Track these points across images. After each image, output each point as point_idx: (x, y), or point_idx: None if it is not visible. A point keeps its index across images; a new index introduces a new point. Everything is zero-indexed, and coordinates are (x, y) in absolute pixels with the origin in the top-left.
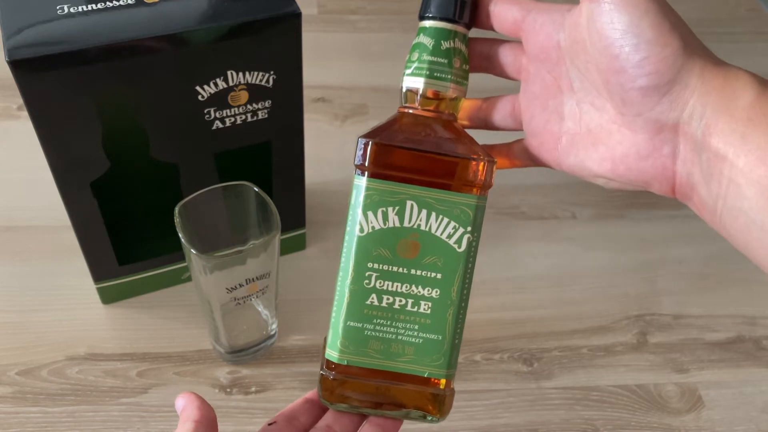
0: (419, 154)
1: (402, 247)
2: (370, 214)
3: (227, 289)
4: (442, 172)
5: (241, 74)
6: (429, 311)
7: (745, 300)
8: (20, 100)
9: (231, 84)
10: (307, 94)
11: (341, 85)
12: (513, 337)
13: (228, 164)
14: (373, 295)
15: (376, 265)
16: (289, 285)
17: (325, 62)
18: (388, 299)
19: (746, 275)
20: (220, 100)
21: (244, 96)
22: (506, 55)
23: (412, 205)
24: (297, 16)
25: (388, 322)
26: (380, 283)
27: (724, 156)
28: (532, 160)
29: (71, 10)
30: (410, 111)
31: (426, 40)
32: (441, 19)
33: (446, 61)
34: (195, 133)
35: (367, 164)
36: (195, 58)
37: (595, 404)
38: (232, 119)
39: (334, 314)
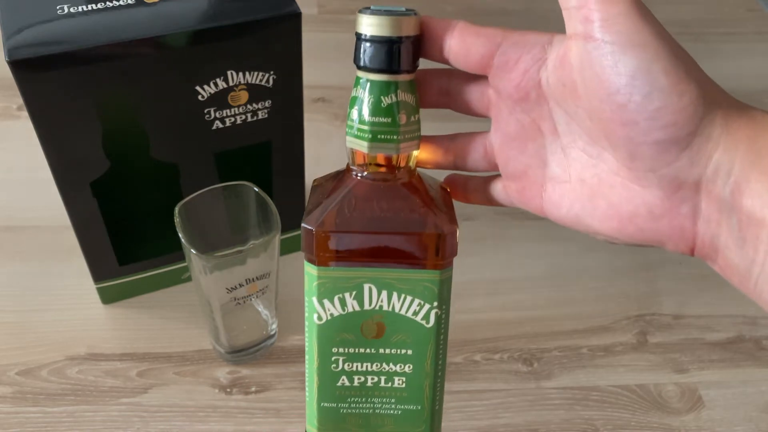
0: (371, 236)
1: (366, 328)
2: (326, 302)
3: (227, 289)
4: (400, 252)
5: (241, 74)
6: (404, 385)
7: (745, 300)
8: (20, 100)
9: (231, 84)
10: (307, 94)
11: (341, 85)
12: (513, 337)
13: (228, 164)
14: (343, 377)
15: (341, 349)
16: (289, 285)
17: (325, 62)
18: (359, 379)
19: None
20: (220, 100)
21: (244, 96)
22: (471, 90)
23: (370, 288)
24: (297, 16)
25: (363, 399)
26: (348, 365)
27: (760, 220)
28: (514, 204)
29: (71, 10)
30: (358, 175)
31: (364, 96)
32: (377, 71)
33: (389, 120)
34: (195, 133)
35: (314, 254)
36: (195, 58)
37: (595, 404)
38: (232, 119)
39: (308, 393)
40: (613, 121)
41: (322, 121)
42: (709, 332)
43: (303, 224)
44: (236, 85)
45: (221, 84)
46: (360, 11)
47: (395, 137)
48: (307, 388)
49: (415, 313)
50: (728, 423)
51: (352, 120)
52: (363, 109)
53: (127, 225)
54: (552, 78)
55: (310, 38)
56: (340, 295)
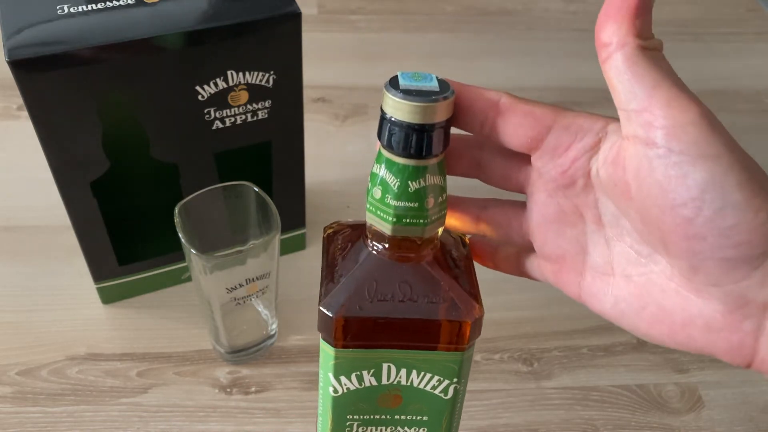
0: (395, 322)
1: (382, 400)
2: (342, 378)
3: (227, 289)
4: (423, 337)
5: (241, 74)
6: None
7: None
8: (20, 100)
9: (231, 84)
10: (307, 94)
11: (341, 85)
12: (513, 337)
13: (228, 164)
14: None
15: (356, 416)
16: (289, 285)
17: (325, 62)
18: None
19: None
20: (220, 100)
21: (244, 96)
22: (508, 166)
23: (389, 367)
24: (297, 16)
25: None
26: (363, 429)
27: None
28: (550, 283)
29: (71, 10)
30: (377, 253)
31: (388, 177)
32: (406, 156)
33: (416, 204)
34: (195, 133)
35: (333, 339)
36: (195, 58)
37: (595, 404)
38: (232, 119)
39: None
40: (676, 234)
41: (322, 121)
42: None
43: (321, 308)
44: (236, 85)
45: (221, 84)
46: (386, 87)
47: (422, 221)
48: None
49: (434, 388)
50: (728, 423)
51: (375, 199)
52: (387, 191)
53: (127, 225)
54: (603, 172)
55: (310, 38)
56: (358, 373)
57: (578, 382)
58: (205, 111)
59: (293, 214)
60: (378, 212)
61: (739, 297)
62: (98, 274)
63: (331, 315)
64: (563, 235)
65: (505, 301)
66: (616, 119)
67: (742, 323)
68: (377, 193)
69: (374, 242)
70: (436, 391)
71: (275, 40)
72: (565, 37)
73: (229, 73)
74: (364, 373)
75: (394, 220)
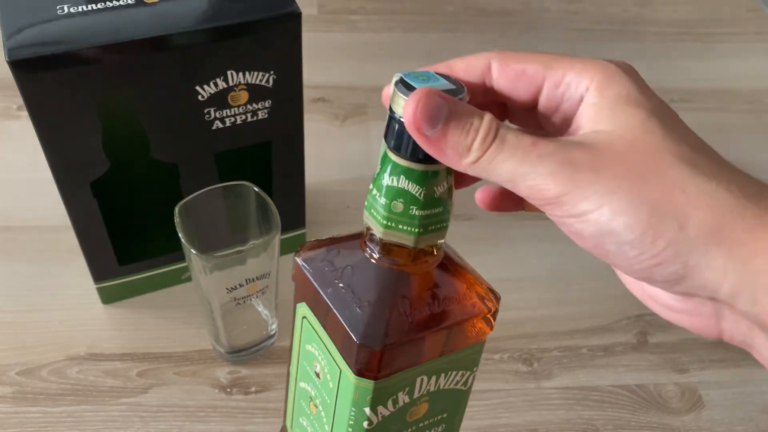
0: (436, 335)
1: (412, 413)
2: (380, 408)
3: (227, 289)
4: (458, 340)
5: (241, 74)
6: None
7: None
8: (20, 100)
9: (231, 84)
10: (307, 94)
11: (341, 85)
12: (513, 337)
13: (228, 164)
14: None
15: None
16: (289, 285)
17: (325, 62)
18: None
19: None
20: (220, 100)
21: (244, 96)
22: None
23: (422, 380)
24: (297, 16)
25: None
26: None
27: None
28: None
29: (71, 10)
30: (395, 267)
31: (413, 188)
32: (423, 162)
33: (441, 209)
34: (195, 133)
35: (376, 372)
36: (195, 58)
37: (595, 404)
38: (232, 119)
39: None
40: (607, 260)
41: (322, 121)
42: None
43: (362, 343)
44: (236, 85)
45: (221, 84)
46: (396, 84)
47: (444, 224)
48: None
49: (457, 383)
50: (728, 423)
51: (395, 214)
52: (412, 203)
53: (127, 225)
54: None
55: (310, 38)
56: (394, 396)
57: (578, 382)
58: (205, 111)
59: (293, 214)
60: (400, 226)
61: (685, 294)
62: (98, 274)
63: (377, 348)
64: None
65: (505, 301)
66: (607, 64)
67: (700, 309)
68: (398, 207)
69: (387, 257)
70: (458, 386)
71: (275, 40)
72: (565, 37)
73: (229, 73)
74: (400, 394)
75: (420, 230)
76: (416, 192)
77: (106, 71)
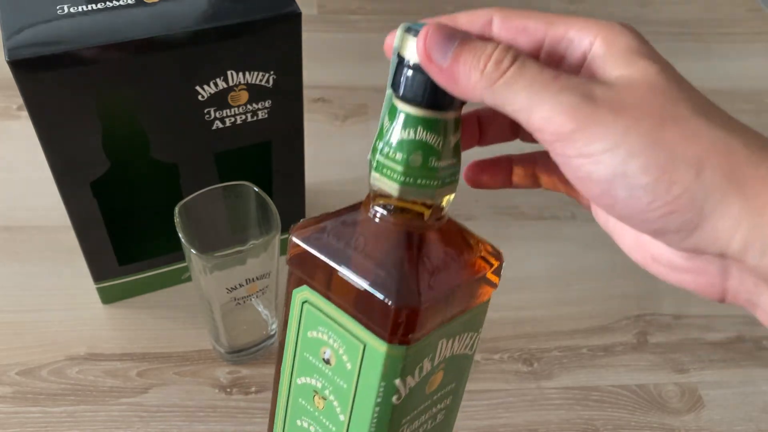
0: (457, 291)
1: (431, 383)
2: (408, 378)
3: (227, 289)
4: (466, 300)
5: (241, 74)
6: (443, 418)
7: None
8: (20, 100)
9: (231, 84)
10: (307, 94)
11: (341, 85)
12: (513, 337)
13: (228, 164)
14: None
15: (408, 416)
16: None
17: (325, 62)
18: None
19: None
20: (220, 100)
21: (244, 96)
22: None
23: (442, 343)
24: (297, 16)
25: None
26: (409, 427)
27: None
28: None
29: (71, 10)
30: (412, 229)
31: (433, 139)
32: (432, 108)
33: (456, 160)
34: (195, 133)
35: (409, 337)
36: (195, 58)
37: (595, 404)
38: (232, 119)
39: None
40: (608, 212)
41: (322, 121)
42: (709, 332)
43: (398, 306)
44: (236, 85)
45: (221, 84)
46: (406, 29)
47: (457, 177)
48: None
49: (466, 346)
50: (728, 423)
51: (413, 168)
52: (431, 154)
53: (127, 225)
54: None
55: (310, 38)
56: (420, 364)
57: (578, 382)
58: (205, 111)
59: (293, 214)
60: (419, 181)
61: (693, 250)
62: (98, 274)
63: (414, 309)
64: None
65: (505, 301)
66: (610, 22)
67: (706, 268)
68: (417, 160)
69: (401, 218)
70: (467, 350)
71: (275, 40)
72: None
73: (229, 73)
74: (425, 360)
75: (439, 183)
76: (434, 142)
77: (106, 71)
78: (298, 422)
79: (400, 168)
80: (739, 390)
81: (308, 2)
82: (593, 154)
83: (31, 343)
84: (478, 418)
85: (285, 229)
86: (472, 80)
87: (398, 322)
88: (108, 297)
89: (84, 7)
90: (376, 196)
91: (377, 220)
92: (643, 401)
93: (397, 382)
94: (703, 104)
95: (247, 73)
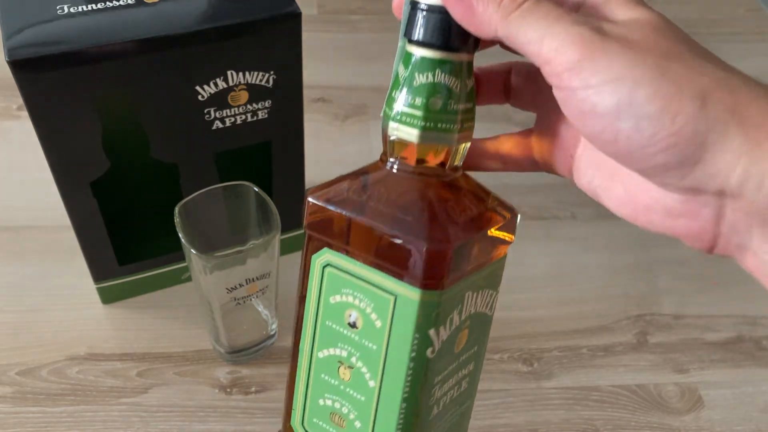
0: (476, 243)
1: (459, 341)
2: (441, 329)
3: (227, 289)
4: (488, 250)
5: (241, 74)
6: (467, 386)
7: (745, 300)
8: (20, 100)
9: (231, 84)
10: (307, 94)
11: (341, 85)
12: (513, 337)
13: (228, 164)
14: (435, 407)
15: (439, 377)
16: (289, 285)
17: (325, 62)
18: (443, 400)
19: (746, 275)
20: (220, 100)
21: (244, 96)
22: (535, 89)
23: (468, 296)
24: (297, 16)
25: (442, 420)
26: (440, 389)
27: None
28: (543, 157)
29: (71, 10)
30: (433, 177)
31: (450, 81)
32: (441, 48)
33: (471, 104)
34: (195, 133)
35: (443, 281)
36: (195, 58)
37: (595, 404)
38: (232, 119)
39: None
40: (606, 152)
41: (322, 121)
42: (709, 332)
43: (430, 248)
44: (236, 85)
45: (221, 84)
46: None
47: (473, 121)
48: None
49: (486, 305)
50: (728, 423)
51: (433, 112)
52: (450, 96)
53: (127, 225)
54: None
55: (310, 38)
56: (451, 315)
57: (578, 382)
58: (205, 111)
59: (293, 214)
60: (440, 125)
61: (691, 188)
62: (98, 274)
63: (446, 249)
64: (560, 121)
65: (505, 301)
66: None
67: (700, 210)
68: (437, 103)
69: (421, 167)
70: (487, 309)
71: (275, 40)
72: None
73: (229, 73)
74: (454, 312)
75: (458, 126)
76: (452, 84)
77: (106, 71)
78: (321, 402)
79: (420, 113)
80: (739, 390)
81: (308, 2)
82: (599, 84)
83: (31, 343)
84: (478, 418)
85: (285, 229)
86: (488, 11)
87: (431, 265)
88: (108, 297)
89: (84, 7)
90: (394, 148)
91: (396, 172)
92: (643, 401)
93: (431, 332)
94: (702, 48)
95: (247, 73)
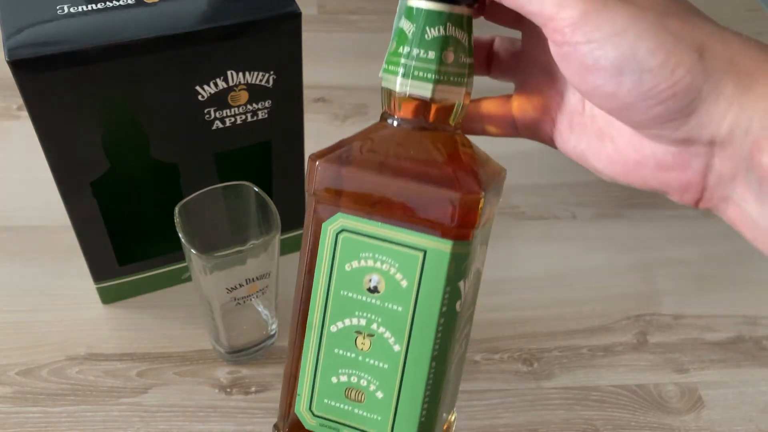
0: (495, 189)
1: (472, 295)
2: (466, 280)
3: (227, 289)
4: (493, 202)
5: (241, 74)
6: (464, 348)
7: (745, 300)
8: (20, 100)
9: (231, 84)
10: (307, 94)
11: (341, 85)
12: (513, 337)
13: (228, 164)
14: (452, 364)
15: (459, 332)
16: (289, 285)
17: (325, 62)
18: (457, 355)
19: (746, 275)
20: (220, 100)
21: (244, 96)
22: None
23: (480, 249)
24: (297, 16)
25: (455, 368)
26: (458, 346)
27: None
28: (525, 122)
29: (71, 10)
30: (442, 129)
31: (461, 35)
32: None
33: (472, 60)
34: (195, 133)
35: (474, 228)
36: (195, 58)
37: (595, 404)
38: (232, 119)
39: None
40: (603, 107)
41: (322, 121)
42: (709, 332)
43: (462, 195)
44: (236, 85)
45: (221, 84)
46: None
47: (473, 76)
48: (408, 411)
49: (482, 262)
50: (728, 423)
51: (446, 64)
52: (460, 50)
53: (127, 225)
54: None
55: (310, 38)
56: (471, 267)
57: (578, 382)
58: (205, 111)
59: (293, 214)
60: (452, 78)
61: (684, 139)
62: (98, 274)
63: (475, 198)
64: (546, 83)
65: (505, 301)
66: None
67: (690, 162)
68: (449, 56)
69: (434, 122)
70: (482, 265)
71: (275, 40)
72: None
73: (229, 73)
74: (474, 264)
75: (467, 80)
76: (462, 38)
77: (106, 71)
78: (334, 379)
79: (433, 66)
80: (739, 390)
81: (308, 2)
82: (602, 38)
83: (31, 343)
84: (478, 418)
85: (285, 229)
86: None
87: (465, 213)
88: (108, 297)
89: (84, 7)
90: (401, 105)
91: (404, 129)
92: (643, 401)
93: (461, 284)
94: (695, 8)
95: (247, 73)
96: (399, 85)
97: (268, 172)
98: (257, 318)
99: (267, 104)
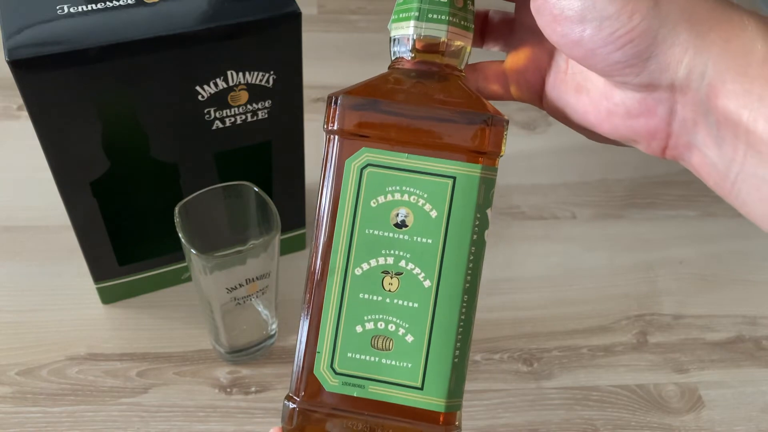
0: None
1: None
2: (491, 210)
3: (227, 289)
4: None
5: (241, 74)
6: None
7: (745, 300)
8: (20, 100)
9: (231, 84)
10: (307, 94)
11: (341, 85)
12: (513, 337)
13: (228, 164)
14: (477, 297)
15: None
16: (289, 285)
17: (325, 62)
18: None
19: (746, 275)
20: (220, 100)
21: (244, 96)
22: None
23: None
24: (297, 16)
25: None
26: (479, 279)
27: (737, 120)
28: (518, 81)
29: (71, 10)
30: (455, 70)
31: None
32: None
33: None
34: (195, 133)
35: (500, 150)
36: (195, 58)
37: (595, 404)
38: (232, 119)
39: (438, 354)
40: (572, 55)
41: (322, 121)
42: (709, 332)
43: (490, 118)
44: (236, 85)
45: (221, 84)
46: None
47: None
48: (438, 349)
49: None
50: (728, 423)
51: (457, 8)
52: None
53: (127, 225)
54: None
55: (310, 38)
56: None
57: (578, 382)
58: (205, 111)
59: (293, 214)
60: (462, 23)
61: (646, 84)
62: (98, 274)
63: (501, 122)
64: (536, 44)
65: (505, 301)
66: None
67: (656, 108)
68: (459, 1)
69: (449, 66)
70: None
71: (275, 40)
72: None
73: (229, 73)
74: (492, 192)
75: (473, 25)
76: None
77: (106, 71)
78: (359, 328)
79: (447, 9)
80: (739, 390)
81: (308, 2)
82: None
83: (31, 343)
84: (478, 418)
85: (285, 229)
86: None
87: (494, 136)
88: (108, 297)
89: (84, 7)
90: (415, 48)
91: (416, 72)
92: (643, 401)
93: (488, 212)
94: None
95: (247, 73)
96: (414, 27)
97: (268, 172)
98: (257, 318)
99: (267, 104)
